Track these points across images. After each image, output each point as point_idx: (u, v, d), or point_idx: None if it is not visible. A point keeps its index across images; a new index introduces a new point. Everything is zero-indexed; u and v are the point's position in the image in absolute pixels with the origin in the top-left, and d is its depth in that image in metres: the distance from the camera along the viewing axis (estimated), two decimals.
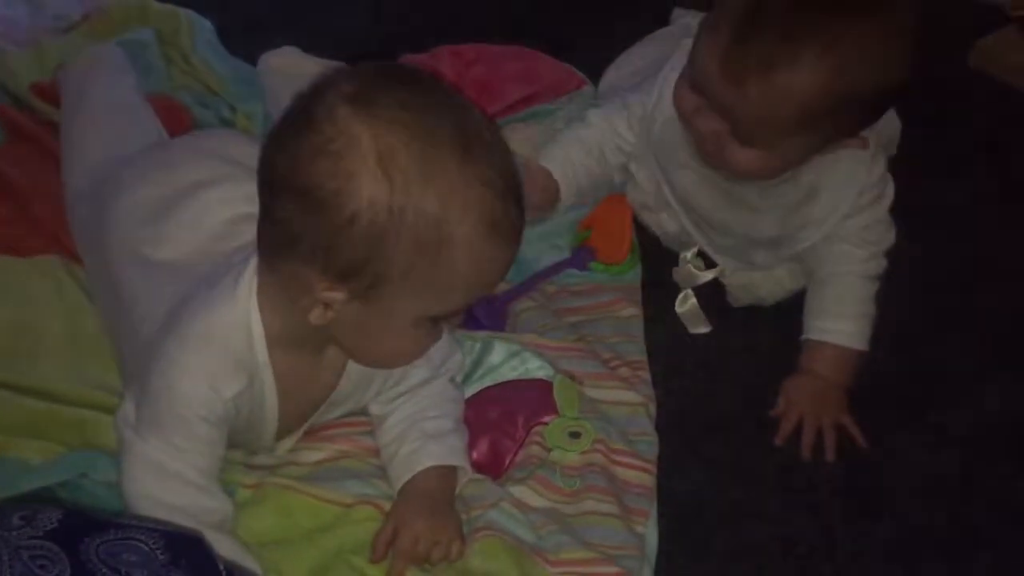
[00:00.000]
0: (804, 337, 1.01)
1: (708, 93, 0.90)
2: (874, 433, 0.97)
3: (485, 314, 1.01)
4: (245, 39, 1.29)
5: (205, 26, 1.28)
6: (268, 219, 0.72)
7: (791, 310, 1.05)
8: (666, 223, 1.08)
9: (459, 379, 0.92)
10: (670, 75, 1.00)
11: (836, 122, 0.89)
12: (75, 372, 0.92)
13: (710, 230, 1.04)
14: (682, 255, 1.07)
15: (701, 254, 1.07)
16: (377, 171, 0.66)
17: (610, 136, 1.07)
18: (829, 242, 1.00)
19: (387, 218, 0.66)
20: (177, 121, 1.14)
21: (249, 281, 0.75)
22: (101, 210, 0.94)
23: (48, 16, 1.28)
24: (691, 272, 1.06)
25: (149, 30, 1.25)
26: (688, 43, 0.99)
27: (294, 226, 0.69)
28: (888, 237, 1.01)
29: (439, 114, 0.68)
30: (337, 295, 0.70)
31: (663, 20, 1.32)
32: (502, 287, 1.06)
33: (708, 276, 1.06)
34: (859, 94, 0.87)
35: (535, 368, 0.96)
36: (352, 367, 0.82)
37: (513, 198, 0.70)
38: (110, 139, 1.03)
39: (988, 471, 0.95)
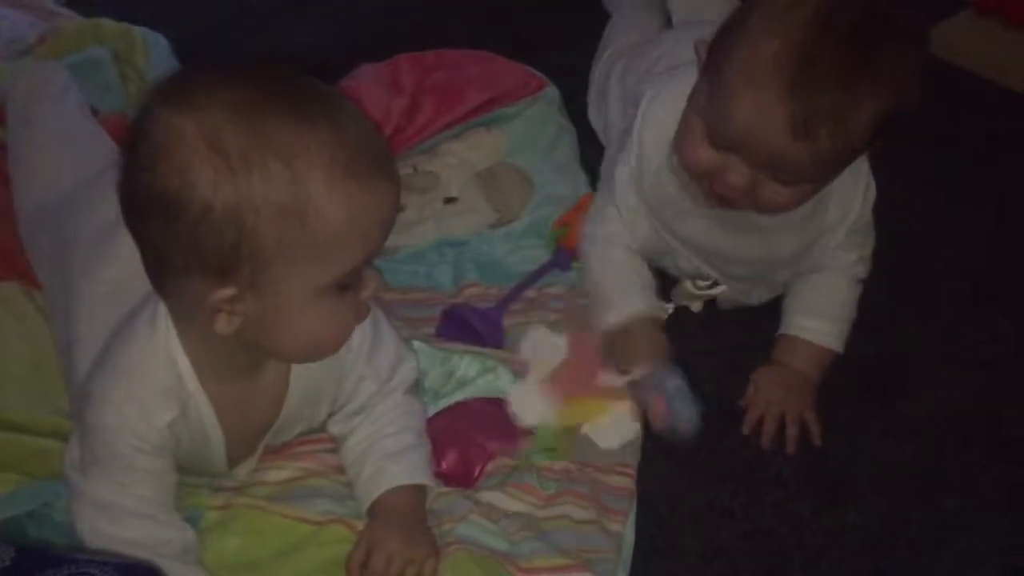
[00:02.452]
0: (782, 332, 1.01)
1: (756, 150, 0.85)
2: (841, 424, 0.98)
3: (486, 329, 1.01)
4: (200, 55, 1.28)
5: (160, 43, 1.28)
6: (140, 246, 0.71)
7: (757, 310, 1.05)
8: (682, 263, 1.04)
9: (416, 389, 0.91)
10: (645, 133, 0.97)
11: (880, 140, 0.88)
12: (38, 400, 0.92)
13: (727, 265, 1.02)
14: (689, 280, 1.05)
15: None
16: (210, 155, 0.66)
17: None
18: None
19: (237, 196, 0.66)
20: None
21: (165, 312, 0.75)
22: (60, 233, 0.93)
23: (2, 40, 1.27)
24: (694, 292, 1.04)
25: (104, 49, 1.25)
26: (654, 86, 0.98)
27: (159, 241, 0.69)
28: (871, 238, 1.01)
29: (260, 86, 0.68)
30: (227, 292, 0.69)
31: None
32: (492, 294, 1.06)
33: (713, 293, 1.04)
34: (907, 110, 0.85)
35: (508, 383, 0.95)
36: (294, 388, 0.81)
37: (364, 139, 0.69)
38: (61, 163, 1.02)
39: (956, 459, 0.96)
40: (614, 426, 0.93)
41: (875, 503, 0.92)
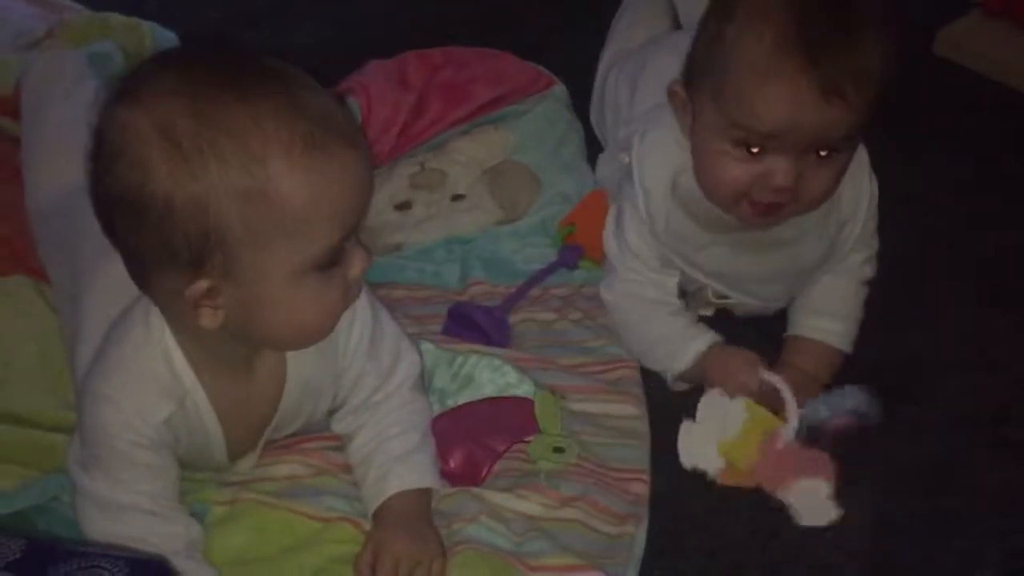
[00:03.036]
0: (791, 333, 1.01)
1: (797, 133, 0.85)
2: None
3: (493, 327, 1.01)
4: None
5: (168, 38, 1.27)
6: (117, 248, 0.71)
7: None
8: (706, 292, 1.03)
9: (421, 385, 0.91)
10: (646, 181, 0.97)
11: (887, 93, 0.88)
12: (45, 394, 0.92)
13: (755, 286, 1.01)
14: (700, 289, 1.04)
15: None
16: (164, 146, 0.65)
17: (656, 281, 1.01)
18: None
19: (196, 185, 0.65)
20: None
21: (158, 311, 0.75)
22: (69, 227, 0.93)
23: (11, 32, 1.27)
24: (711, 301, 1.03)
25: (112, 43, 1.24)
26: (639, 136, 0.98)
27: (132, 241, 0.69)
28: (876, 239, 1.02)
29: (210, 70, 0.67)
30: (202, 285, 0.68)
31: None
32: (498, 292, 1.06)
33: (730, 303, 1.03)
34: (897, 59, 0.87)
35: (515, 383, 0.95)
36: (291, 381, 0.81)
37: (321, 110, 0.68)
38: (73, 156, 0.99)
39: (963, 460, 0.96)
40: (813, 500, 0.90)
41: (880, 503, 0.92)
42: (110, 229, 0.70)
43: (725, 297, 1.03)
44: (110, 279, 0.84)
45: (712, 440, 0.90)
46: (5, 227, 1.04)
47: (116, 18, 1.28)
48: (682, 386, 1.00)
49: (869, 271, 1.02)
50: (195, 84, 0.66)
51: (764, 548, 0.89)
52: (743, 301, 1.03)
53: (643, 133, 0.99)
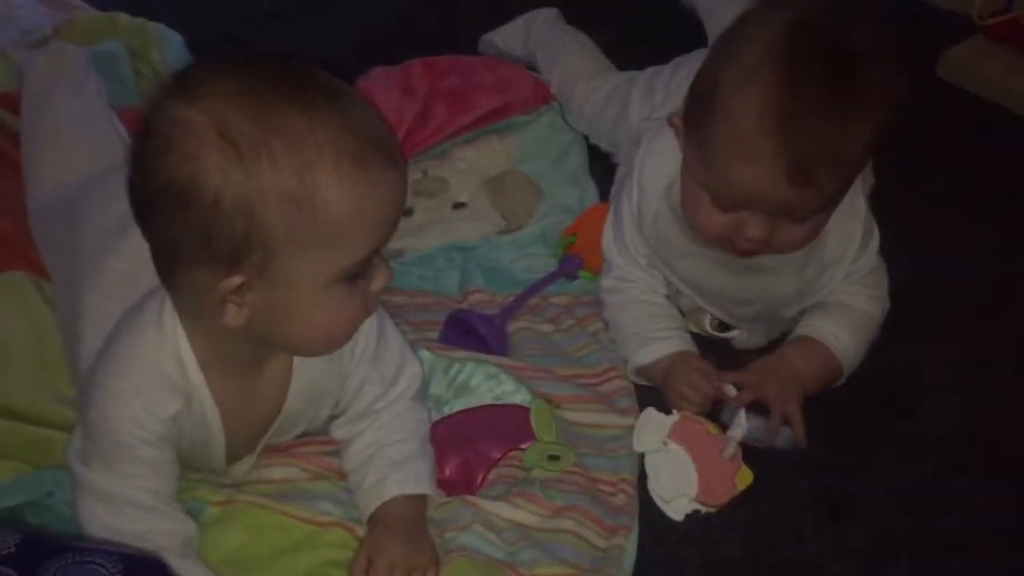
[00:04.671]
0: (799, 335, 1.01)
1: (764, 206, 0.88)
2: (845, 442, 0.98)
3: (491, 335, 1.01)
4: (214, 55, 1.28)
5: (176, 40, 1.28)
6: (149, 240, 0.72)
7: None
8: (682, 303, 1.05)
9: (422, 395, 0.91)
10: (645, 178, 0.99)
11: (879, 150, 0.89)
12: (41, 389, 0.92)
13: (731, 306, 1.02)
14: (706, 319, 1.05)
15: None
16: (220, 143, 0.66)
17: (643, 278, 1.03)
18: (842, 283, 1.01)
19: (246, 184, 0.66)
20: None
21: (172, 306, 0.75)
22: (72, 224, 0.93)
23: (17, 30, 1.27)
24: (708, 332, 1.05)
25: (119, 43, 1.25)
26: (650, 131, 0.99)
27: (169, 232, 0.69)
28: (884, 281, 1.02)
29: (268, 76, 0.68)
30: (236, 281, 0.69)
31: (638, 29, 1.33)
32: (497, 300, 1.07)
33: (729, 336, 1.04)
34: (889, 130, 0.87)
35: (511, 391, 0.95)
36: (296, 385, 0.81)
37: (371, 127, 0.69)
38: (78, 152, 1.02)
39: (958, 478, 0.96)
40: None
41: (877, 521, 0.92)
42: (145, 218, 0.71)
43: (724, 329, 1.04)
44: (111, 276, 0.84)
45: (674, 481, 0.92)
46: (5, 222, 1.04)
47: (124, 18, 1.29)
48: (640, 380, 1.01)
49: (878, 307, 1.02)
50: (255, 89, 0.67)
51: (758, 563, 0.89)
52: (731, 324, 1.03)
53: (654, 133, 1.00)
